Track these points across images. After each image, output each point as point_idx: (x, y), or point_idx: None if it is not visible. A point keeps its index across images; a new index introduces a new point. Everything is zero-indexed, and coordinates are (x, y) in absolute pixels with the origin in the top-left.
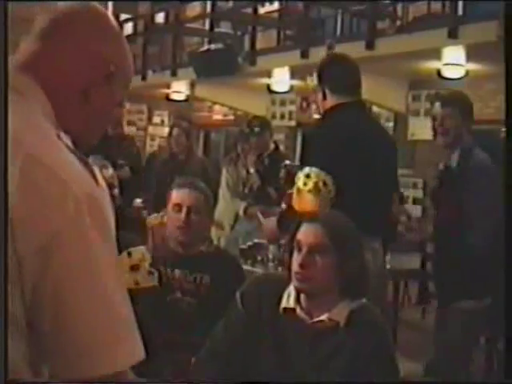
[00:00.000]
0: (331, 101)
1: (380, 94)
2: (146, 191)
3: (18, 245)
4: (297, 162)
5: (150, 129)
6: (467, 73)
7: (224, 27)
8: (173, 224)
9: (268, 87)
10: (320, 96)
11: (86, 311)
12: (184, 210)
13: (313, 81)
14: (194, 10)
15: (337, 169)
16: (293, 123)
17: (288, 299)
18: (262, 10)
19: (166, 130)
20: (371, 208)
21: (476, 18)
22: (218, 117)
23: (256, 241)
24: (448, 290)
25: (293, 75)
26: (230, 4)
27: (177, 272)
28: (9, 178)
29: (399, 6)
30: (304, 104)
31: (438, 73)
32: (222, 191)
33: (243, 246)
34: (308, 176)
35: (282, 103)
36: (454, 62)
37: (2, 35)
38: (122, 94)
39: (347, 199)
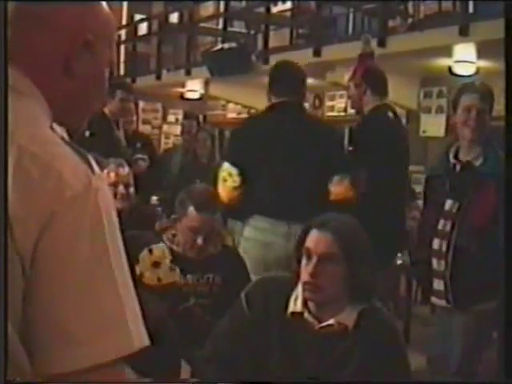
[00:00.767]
0: (373, 102)
1: (392, 92)
2: (162, 189)
3: (17, 240)
4: None
5: (165, 127)
6: (478, 70)
7: (237, 26)
8: (187, 243)
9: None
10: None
11: (73, 301)
12: (202, 235)
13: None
14: (207, 9)
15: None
16: None
17: (295, 303)
18: (274, 10)
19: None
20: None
21: (487, 16)
22: (232, 115)
23: None
24: (468, 291)
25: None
26: (243, 3)
27: (189, 277)
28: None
29: (410, 4)
30: (317, 102)
31: (450, 70)
32: None
33: None
34: (222, 170)
35: None
36: (465, 59)
37: (1, 35)
38: (108, 62)
39: None
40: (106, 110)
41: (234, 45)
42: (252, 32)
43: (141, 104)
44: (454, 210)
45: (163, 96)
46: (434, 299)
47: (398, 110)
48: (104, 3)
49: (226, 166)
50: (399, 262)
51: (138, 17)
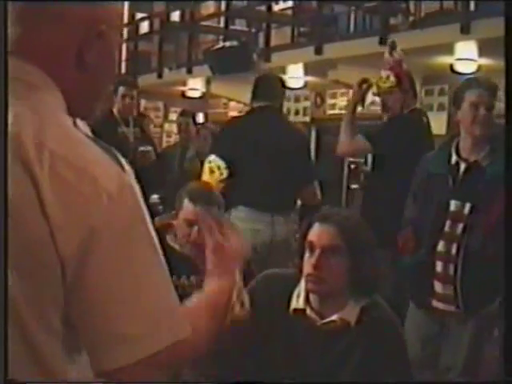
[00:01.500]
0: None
1: None
2: (162, 187)
3: (59, 246)
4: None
5: (166, 126)
6: (479, 67)
7: (239, 25)
8: (183, 237)
9: (282, 83)
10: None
11: (129, 304)
12: (197, 227)
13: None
14: (208, 8)
15: None
16: (307, 119)
17: (298, 299)
18: (276, 8)
19: None
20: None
21: (488, 14)
22: (233, 113)
23: None
24: (479, 295)
25: (307, 71)
26: (245, 2)
27: (192, 278)
28: (39, 180)
29: (412, 3)
30: (318, 100)
31: (451, 68)
32: None
33: None
34: (209, 162)
35: (297, 99)
36: (466, 57)
37: (1, 35)
38: (119, 50)
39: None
40: (114, 108)
41: (235, 43)
42: (253, 30)
43: (142, 102)
44: (463, 211)
45: (165, 94)
46: (438, 304)
47: None
48: None
49: (214, 158)
50: None
51: (139, 15)
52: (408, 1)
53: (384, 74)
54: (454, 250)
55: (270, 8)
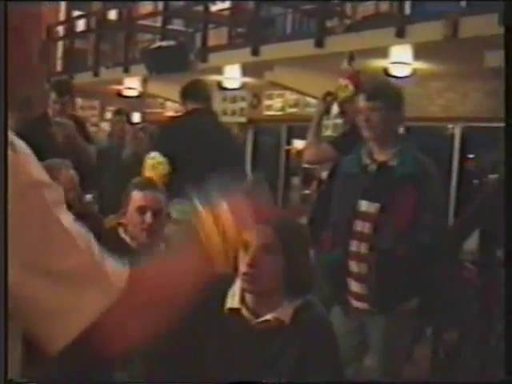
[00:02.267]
0: None
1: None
2: (96, 186)
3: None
4: None
5: (103, 125)
6: (414, 71)
7: (176, 24)
8: (136, 226)
9: (219, 84)
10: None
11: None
12: (149, 212)
13: None
14: (146, 7)
15: None
16: (243, 120)
17: (233, 299)
18: (213, 8)
19: None
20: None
21: (423, 18)
22: (170, 113)
23: None
24: (392, 293)
25: (244, 72)
26: (182, 2)
27: None
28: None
29: (348, 6)
30: (255, 101)
31: (385, 71)
32: None
33: None
34: (152, 158)
35: (233, 100)
36: (401, 60)
37: (1, 35)
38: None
39: None
40: (49, 110)
41: (172, 43)
42: (190, 30)
43: (79, 101)
44: (372, 211)
45: (101, 93)
46: (354, 302)
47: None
48: None
49: (156, 155)
50: None
51: (76, 13)
52: (344, 3)
53: (343, 82)
54: (365, 250)
55: (207, 8)
